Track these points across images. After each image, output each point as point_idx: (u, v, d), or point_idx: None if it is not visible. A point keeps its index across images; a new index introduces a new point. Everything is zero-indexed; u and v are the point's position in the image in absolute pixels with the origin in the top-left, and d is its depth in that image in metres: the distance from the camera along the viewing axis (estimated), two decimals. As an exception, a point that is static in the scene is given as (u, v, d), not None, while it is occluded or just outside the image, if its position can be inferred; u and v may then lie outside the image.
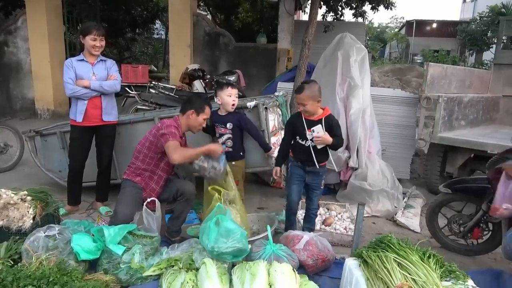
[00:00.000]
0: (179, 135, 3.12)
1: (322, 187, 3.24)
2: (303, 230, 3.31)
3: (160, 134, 3.04)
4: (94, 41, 3.57)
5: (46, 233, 2.65)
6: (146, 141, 3.14)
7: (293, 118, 3.24)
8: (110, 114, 3.78)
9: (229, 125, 3.54)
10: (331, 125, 3.03)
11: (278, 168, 3.28)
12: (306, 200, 3.34)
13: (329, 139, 2.95)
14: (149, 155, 3.13)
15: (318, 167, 3.09)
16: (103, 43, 3.66)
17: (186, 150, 3.15)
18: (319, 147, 3.02)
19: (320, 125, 2.96)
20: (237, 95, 3.61)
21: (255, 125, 3.68)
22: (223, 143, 3.57)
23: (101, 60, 3.72)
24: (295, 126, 3.14)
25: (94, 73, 3.65)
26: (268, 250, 2.68)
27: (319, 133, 2.94)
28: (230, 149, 3.56)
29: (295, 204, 3.28)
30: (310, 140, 3.02)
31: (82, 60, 3.65)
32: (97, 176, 3.98)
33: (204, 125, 3.35)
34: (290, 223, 3.38)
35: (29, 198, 3.01)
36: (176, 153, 2.98)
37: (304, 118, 3.07)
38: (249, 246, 2.70)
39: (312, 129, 2.98)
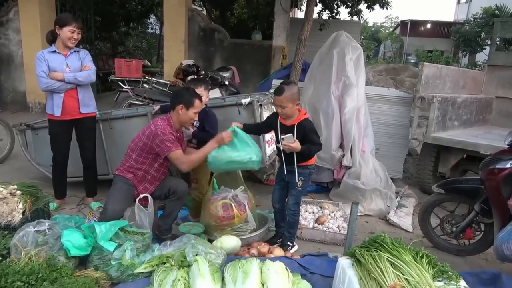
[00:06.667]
0: (176, 137, 3.09)
1: (299, 188, 3.09)
2: (282, 231, 3.31)
3: (159, 140, 2.96)
4: (72, 33, 3.47)
5: (35, 228, 2.62)
6: (140, 141, 3.07)
7: (272, 117, 3.16)
8: (88, 106, 3.71)
9: (195, 123, 3.50)
10: (304, 132, 2.94)
11: (236, 123, 3.10)
12: None
13: (297, 147, 2.86)
14: (143, 155, 3.07)
15: (294, 165, 3.02)
16: (80, 36, 3.56)
17: (192, 157, 3.08)
18: (287, 152, 2.98)
19: (291, 134, 2.87)
20: (208, 95, 3.57)
21: (215, 124, 3.55)
22: (190, 140, 3.54)
23: (74, 51, 3.61)
24: (272, 125, 3.12)
25: (68, 64, 3.54)
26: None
27: (288, 142, 2.86)
28: (195, 146, 3.51)
29: (275, 204, 3.30)
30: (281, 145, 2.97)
31: (55, 52, 3.53)
32: (83, 171, 3.93)
33: (196, 119, 3.25)
34: (276, 222, 3.41)
35: (18, 192, 2.96)
36: (183, 163, 3.02)
37: (280, 122, 3.03)
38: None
39: (282, 137, 2.90)
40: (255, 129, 3.34)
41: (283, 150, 2.98)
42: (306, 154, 2.97)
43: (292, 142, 2.85)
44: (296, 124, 2.95)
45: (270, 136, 3.94)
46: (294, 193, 3.13)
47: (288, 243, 3.25)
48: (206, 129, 3.51)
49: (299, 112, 3.02)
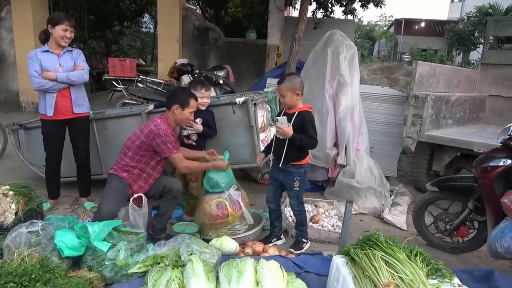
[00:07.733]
0: (174, 136, 3.12)
1: (297, 188, 3.11)
2: (277, 231, 3.37)
3: (160, 141, 2.99)
4: (64, 32, 3.45)
5: (28, 229, 2.60)
6: (137, 139, 3.06)
7: (280, 112, 3.27)
8: (81, 105, 3.69)
9: (198, 120, 3.52)
10: (302, 121, 2.99)
11: (261, 155, 3.32)
12: None
13: (289, 132, 2.88)
14: (140, 153, 3.07)
15: (288, 164, 3.05)
16: (73, 35, 3.54)
17: (192, 164, 3.24)
18: (280, 137, 3.01)
19: (285, 117, 2.95)
20: (209, 96, 3.60)
21: (215, 125, 3.67)
22: (188, 136, 3.55)
23: (67, 50, 3.59)
24: None
25: (61, 64, 3.52)
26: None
27: (282, 124, 2.91)
28: (194, 143, 3.56)
29: (270, 203, 3.32)
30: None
31: (48, 51, 3.51)
32: (77, 171, 3.91)
33: (192, 118, 3.26)
34: (271, 221, 3.42)
35: (11, 193, 2.93)
36: (183, 166, 3.15)
37: (284, 111, 3.13)
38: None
39: (277, 118, 2.99)
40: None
41: (278, 140, 3.03)
42: (297, 144, 2.95)
43: (285, 126, 2.90)
44: (296, 113, 3.02)
45: (264, 135, 3.94)
46: (294, 194, 3.16)
47: (303, 240, 3.28)
48: (211, 127, 3.61)
49: (303, 105, 3.09)
